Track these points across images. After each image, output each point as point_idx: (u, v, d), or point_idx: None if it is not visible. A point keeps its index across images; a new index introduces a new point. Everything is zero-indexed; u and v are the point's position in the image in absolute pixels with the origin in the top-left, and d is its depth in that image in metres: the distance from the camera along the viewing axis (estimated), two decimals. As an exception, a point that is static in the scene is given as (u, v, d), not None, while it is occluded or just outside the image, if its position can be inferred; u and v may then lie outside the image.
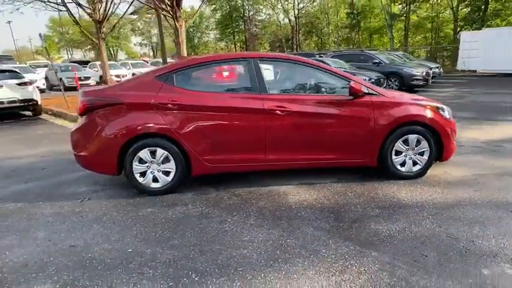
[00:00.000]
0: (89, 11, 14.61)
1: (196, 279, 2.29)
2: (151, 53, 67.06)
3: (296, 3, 41.37)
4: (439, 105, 4.03)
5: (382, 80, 11.01)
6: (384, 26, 32.75)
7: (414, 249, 2.55)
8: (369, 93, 3.80)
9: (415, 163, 3.96)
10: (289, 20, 43.43)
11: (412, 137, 3.85)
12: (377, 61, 12.93)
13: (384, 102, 3.82)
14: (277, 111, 3.67)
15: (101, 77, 18.90)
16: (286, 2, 42.29)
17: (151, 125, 3.60)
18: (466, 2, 26.55)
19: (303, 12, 41.80)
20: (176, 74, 3.77)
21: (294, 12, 41.67)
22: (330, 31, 39.82)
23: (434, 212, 3.14)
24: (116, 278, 2.33)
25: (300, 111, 3.71)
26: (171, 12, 9.31)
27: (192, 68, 3.85)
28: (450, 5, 28.57)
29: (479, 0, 25.05)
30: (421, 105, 3.92)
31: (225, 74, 4.05)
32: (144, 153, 3.65)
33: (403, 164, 3.95)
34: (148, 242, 2.80)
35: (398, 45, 33.42)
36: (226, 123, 3.69)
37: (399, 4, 31.48)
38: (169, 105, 3.62)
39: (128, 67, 24.61)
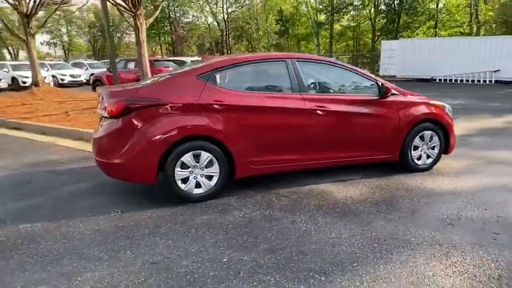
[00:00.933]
0: (12, 1, 12.71)
1: (323, 279, 2.26)
2: (59, 53, 60.89)
3: (225, 7, 41.70)
4: (443, 104, 4.56)
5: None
6: (311, 34, 35.00)
7: (483, 231, 2.87)
8: (393, 94, 4.13)
9: (428, 156, 4.41)
10: (218, 23, 43.55)
11: (427, 133, 4.29)
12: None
13: (406, 101, 4.19)
14: (318, 111, 3.77)
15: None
16: (215, 6, 42.35)
17: (196, 126, 3.39)
18: (383, 15, 29.92)
19: (233, 16, 42.30)
20: (218, 73, 3.61)
21: (223, 16, 41.94)
22: (260, 36, 41.02)
23: (469, 197, 3.56)
24: (239, 289, 2.18)
25: (337, 110, 3.86)
26: (132, 10, 8.70)
27: (233, 67, 3.73)
28: (369, 16, 31.85)
29: (393, 13, 28.46)
30: (432, 105, 4.39)
31: (265, 73, 4.00)
32: (188, 157, 3.41)
33: (419, 158, 4.37)
34: (237, 249, 2.65)
35: (323, 51, 36.01)
36: (270, 123, 3.66)
37: (324, 14, 33.97)
38: (214, 105, 3.45)
39: (46, 68, 21.91)
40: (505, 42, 20.61)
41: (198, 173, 3.50)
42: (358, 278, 2.26)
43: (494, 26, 30.56)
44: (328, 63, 4.17)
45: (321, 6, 34.09)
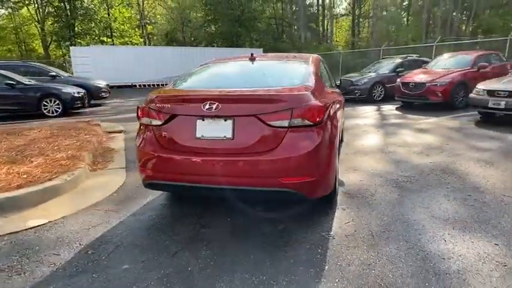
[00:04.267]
0: None
1: None
2: None
3: None
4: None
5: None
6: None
7: None
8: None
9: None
10: None
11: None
12: (53, 74, 11.37)
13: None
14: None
15: None
16: None
17: None
18: (56, 19, 26.82)
19: None
20: None
21: None
22: None
23: None
24: None
25: None
26: None
27: None
28: (36, 18, 27.54)
29: (68, 18, 26.21)
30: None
31: None
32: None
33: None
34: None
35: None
36: None
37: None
38: None
39: None
40: (191, 52, 24.67)
41: None
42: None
43: (157, 38, 35.56)
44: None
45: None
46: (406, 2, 32.51)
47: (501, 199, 3.36)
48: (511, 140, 5.69)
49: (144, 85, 21.66)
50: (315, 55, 3.96)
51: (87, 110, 10.86)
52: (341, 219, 3.03)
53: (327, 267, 2.35)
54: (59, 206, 3.48)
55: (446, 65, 10.19)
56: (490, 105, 6.92)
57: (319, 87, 3.05)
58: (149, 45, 31.41)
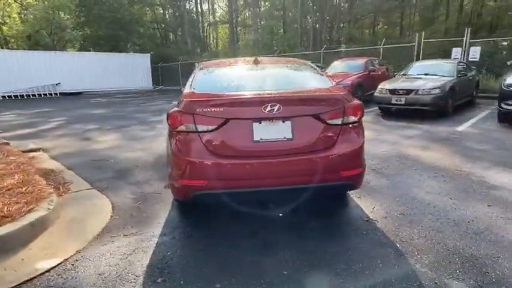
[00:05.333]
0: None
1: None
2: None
3: None
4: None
5: None
6: None
7: None
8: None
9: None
10: None
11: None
12: None
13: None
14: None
15: None
16: None
17: None
18: None
19: None
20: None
21: None
22: None
23: None
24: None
25: None
26: None
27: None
28: None
29: None
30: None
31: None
32: None
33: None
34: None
35: None
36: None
37: None
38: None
39: None
40: (64, 57, 21.72)
41: None
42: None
43: (15, 40, 30.08)
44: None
45: None
46: (282, 13, 35.73)
47: (459, 173, 4.27)
48: (423, 127, 7.12)
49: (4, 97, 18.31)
50: (305, 61, 4.24)
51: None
52: (366, 206, 3.37)
53: (398, 245, 2.65)
54: (58, 240, 2.83)
55: (343, 69, 11.83)
56: (393, 101, 8.44)
57: None
58: (7, 48, 26.28)
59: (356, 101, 2.93)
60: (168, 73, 28.26)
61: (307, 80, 3.42)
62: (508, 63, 12.20)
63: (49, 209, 3.11)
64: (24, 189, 3.51)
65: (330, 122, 2.74)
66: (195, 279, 2.30)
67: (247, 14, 39.58)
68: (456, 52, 11.49)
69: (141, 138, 7.15)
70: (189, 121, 2.69)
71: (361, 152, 2.86)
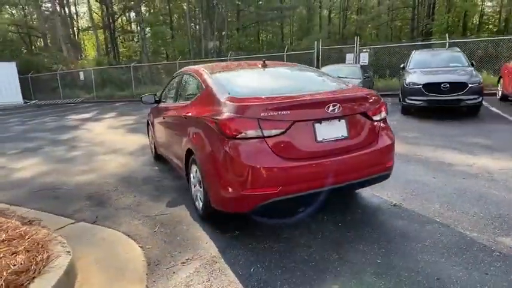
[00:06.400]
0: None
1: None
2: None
3: None
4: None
5: None
6: None
7: None
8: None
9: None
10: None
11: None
12: None
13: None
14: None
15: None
16: None
17: None
18: None
19: None
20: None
21: None
22: None
23: None
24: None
25: None
26: None
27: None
28: None
29: None
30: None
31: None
32: None
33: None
34: None
35: None
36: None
37: None
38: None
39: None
40: None
41: None
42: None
43: None
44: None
45: None
46: (169, 18, 34.72)
47: (420, 157, 5.05)
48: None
49: None
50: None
51: None
52: (383, 194, 3.70)
53: (438, 218, 3.05)
54: (108, 286, 2.29)
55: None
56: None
57: None
58: None
59: (383, 100, 3.24)
60: (43, 85, 24.35)
61: (330, 81, 3.59)
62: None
63: (68, 252, 2.46)
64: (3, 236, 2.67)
65: (374, 118, 2.97)
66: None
67: (126, 18, 37.06)
68: (349, 57, 13.35)
69: (72, 160, 6.11)
70: (254, 127, 2.55)
71: (394, 143, 3.17)
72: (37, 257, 2.33)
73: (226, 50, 31.89)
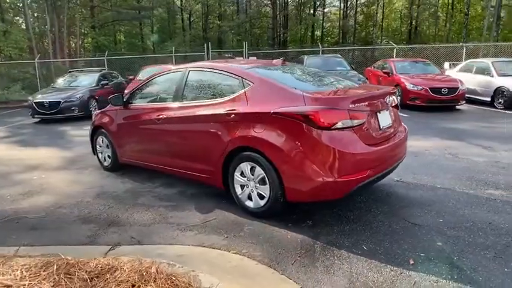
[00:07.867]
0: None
1: None
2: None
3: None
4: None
5: None
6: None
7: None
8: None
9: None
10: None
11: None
12: None
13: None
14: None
15: None
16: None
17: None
18: None
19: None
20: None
21: None
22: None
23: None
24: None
25: None
26: None
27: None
28: None
29: None
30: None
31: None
32: None
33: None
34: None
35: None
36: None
37: None
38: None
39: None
40: None
41: None
42: None
43: None
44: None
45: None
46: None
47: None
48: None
49: None
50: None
51: None
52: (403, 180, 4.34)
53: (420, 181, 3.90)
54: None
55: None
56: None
57: None
58: None
59: None
60: None
61: (342, 78, 4.03)
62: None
63: None
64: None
65: (396, 107, 3.58)
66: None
67: None
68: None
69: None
70: (346, 117, 2.76)
71: None
72: None
73: (84, 49, 28.34)
